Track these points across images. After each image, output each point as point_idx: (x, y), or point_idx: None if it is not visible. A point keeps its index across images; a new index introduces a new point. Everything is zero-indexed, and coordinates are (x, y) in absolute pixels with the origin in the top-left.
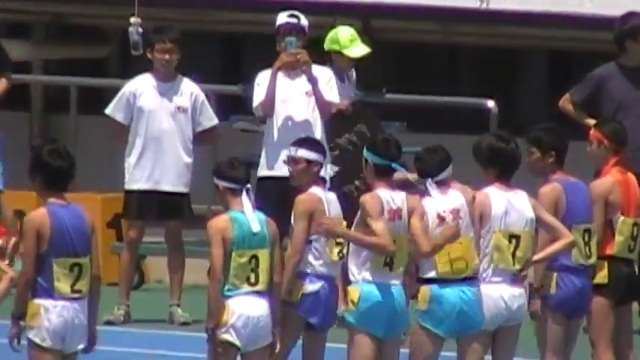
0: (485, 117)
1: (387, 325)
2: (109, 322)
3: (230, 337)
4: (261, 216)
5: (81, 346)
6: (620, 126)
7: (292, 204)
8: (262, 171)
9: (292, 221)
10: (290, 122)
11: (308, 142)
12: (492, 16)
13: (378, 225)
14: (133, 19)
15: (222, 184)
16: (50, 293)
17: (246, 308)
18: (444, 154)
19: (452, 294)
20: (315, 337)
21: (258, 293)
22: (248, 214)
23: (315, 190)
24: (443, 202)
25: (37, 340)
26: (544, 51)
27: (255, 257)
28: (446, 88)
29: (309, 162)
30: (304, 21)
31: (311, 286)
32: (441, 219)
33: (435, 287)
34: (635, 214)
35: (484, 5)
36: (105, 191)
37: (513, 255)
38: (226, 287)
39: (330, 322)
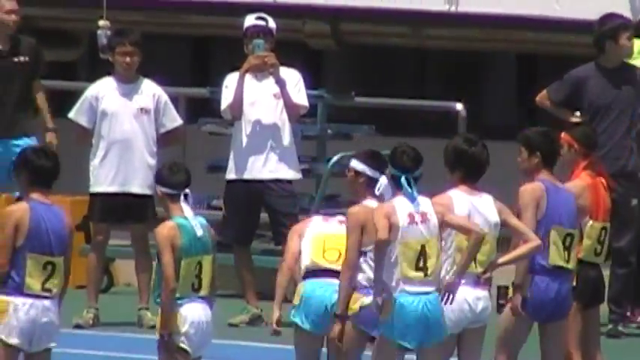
0: (454, 120)
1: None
2: (78, 326)
3: (184, 344)
4: (203, 221)
5: (52, 345)
6: (590, 130)
7: (259, 206)
8: (230, 174)
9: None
10: (258, 125)
11: (363, 154)
12: (461, 19)
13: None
14: (101, 22)
15: (160, 189)
16: (20, 290)
17: (196, 315)
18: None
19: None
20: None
21: (202, 299)
22: (191, 220)
23: (369, 203)
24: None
25: (2, 336)
26: (512, 54)
27: (199, 263)
28: (414, 91)
29: (357, 173)
30: (272, 24)
31: (369, 299)
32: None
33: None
34: (603, 218)
35: (453, 8)
36: (74, 194)
37: (475, 257)
38: (176, 295)
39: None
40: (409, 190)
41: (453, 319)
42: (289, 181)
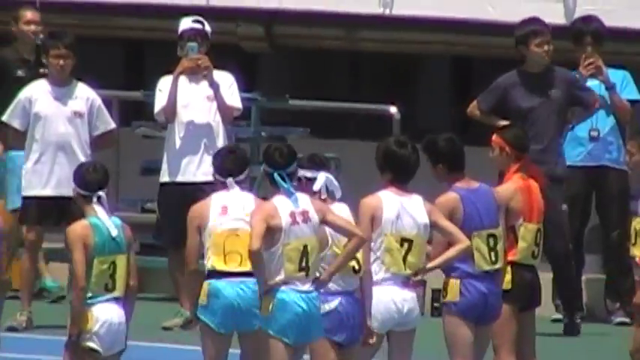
0: (388, 123)
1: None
2: (11, 328)
3: (94, 344)
4: (117, 221)
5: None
6: (522, 132)
7: None
8: (164, 177)
9: None
10: (191, 127)
11: (304, 159)
12: (395, 22)
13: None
14: None
15: (75, 189)
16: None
17: (108, 315)
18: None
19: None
20: (345, 356)
21: (115, 299)
22: (104, 220)
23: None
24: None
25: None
26: (446, 57)
27: (113, 263)
28: (349, 94)
29: (301, 180)
30: (208, 27)
31: (327, 305)
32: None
33: None
34: (537, 219)
35: (387, 11)
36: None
37: (405, 259)
38: (88, 295)
39: (357, 337)
40: (284, 185)
41: (380, 319)
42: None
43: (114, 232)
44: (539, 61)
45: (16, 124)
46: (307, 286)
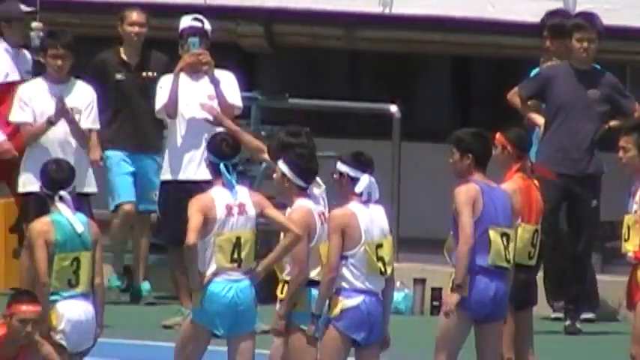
0: (388, 122)
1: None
2: None
3: (61, 340)
4: (83, 218)
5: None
6: (524, 132)
7: None
8: (165, 175)
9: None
10: (193, 125)
11: (348, 156)
12: (395, 21)
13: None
14: (34, 24)
15: (40, 186)
16: None
17: (74, 312)
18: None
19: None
20: (365, 356)
21: (82, 296)
22: (68, 216)
23: (352, 205)
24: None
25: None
26: (446, 56)
27: (76, 259)
28: (349, 93)
29: (341, 174)
30: (208, 25)
31: (350, 301)
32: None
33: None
34: (535, 220)
35: (387, 10)
36: (6, 196)
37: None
38: (50, 291)
39: (376, 339)
40: (228, 177)
41: None
42: None
43: (79, 229)
44: (577, 56)
45: (26, 117)
46: (239, 277)
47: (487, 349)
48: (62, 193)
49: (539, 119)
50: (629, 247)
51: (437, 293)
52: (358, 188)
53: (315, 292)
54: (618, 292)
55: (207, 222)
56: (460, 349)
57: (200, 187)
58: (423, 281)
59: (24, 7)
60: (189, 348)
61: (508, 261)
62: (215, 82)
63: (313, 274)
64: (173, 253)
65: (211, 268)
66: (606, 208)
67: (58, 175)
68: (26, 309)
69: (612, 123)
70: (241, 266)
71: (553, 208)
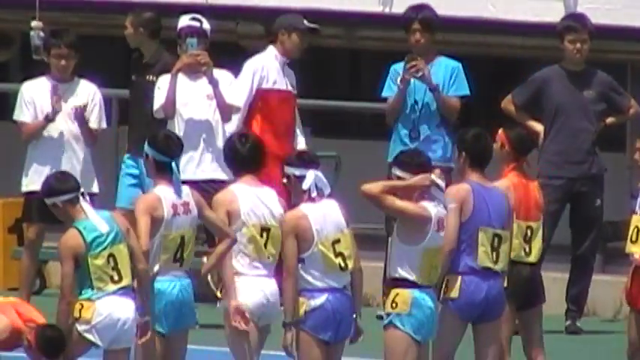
0: None
1: None
2: None
3: (90, 336)
4: (106, 214)
5: None
6: (526, 135)
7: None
8: None
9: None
10: (191, 125)
11: (291, 157)
12: (395, 20)
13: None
14: (34, 23)
15: (59, 200)
16: None
17: (108, 309)
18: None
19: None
20: (331, 354)
21: (124, 291)
22: (92, 218)
23: (304, 207)
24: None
25: None
26: (447, 55)
27: (111, 256)
28: (349, 93)
29: (288, 177)
30: (206, 25)
31: (314, 301)
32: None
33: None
34: (526, 217)
35: (387, 10)
36: (5, 196)
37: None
38: (93, 292)
39: (345, 335)
40: (178, 175)
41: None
42: (224, 182)
43: (104, 228)
44: (571, 57)
45: (28, 118)
46: (181, 274)
47: (482, 349)
48: (82, 190)
49: (538, 126)
50: (634, 249)
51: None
52: (305, 185)
53: None
54: (618, 292)
55: (154, 221)
56: (455, 350)
57: (200, 186)
58: None
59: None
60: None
61: (496, 262)
62: (214, 83)
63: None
64: None
65: (155, 268)
66: (606, 208)
67: (71, 180)
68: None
69: (609, 121)
70: (182, 265)
71: (554, 211)
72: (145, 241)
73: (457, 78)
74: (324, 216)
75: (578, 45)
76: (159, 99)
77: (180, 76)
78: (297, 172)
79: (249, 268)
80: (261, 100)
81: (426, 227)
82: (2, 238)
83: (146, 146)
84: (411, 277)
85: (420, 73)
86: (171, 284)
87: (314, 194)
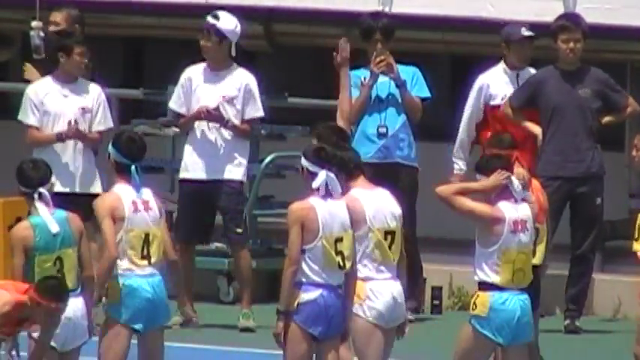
0: None
1: None
2: None
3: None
4: (62, 214)
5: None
6: (509, 134)
7: (211, 206)
8: (182, 173)
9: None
10: (210, 125)
11: (308, 150)
12: (395, 20)
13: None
14: (34, 23)
15: (19, 187)
16: None
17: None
18: None
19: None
20: (324, 348)
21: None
22: (45, 217)
23: (312, 200)
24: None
25: None
26: (446, 55)
27: (59, 259)
28: None
29: (302, 169)
30: (223, 23)
31: (307, 295)
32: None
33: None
34: (540, 219)
35: (387, 9)
36: (6, 195)
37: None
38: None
39: (335, 332)
40: (137, 179)
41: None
42: (240, 181)
43: (54, 229)
44: (564, 57)
45: (33, 120)
46: (151, 272)
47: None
48: (41, 190)
49: (536, 128)
50: (637, 247)
51: (437, 292)
52: (315, 184)
53: None
54: (618, 291)
55: (115, 220)
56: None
57: (216, 185)
58: (423, 280)
59: None
60: (116, 349)
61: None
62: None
63: None
64: (181, 251)
65: (123, 265)
66: (605, 207)
67: (35, 174)
68: (55, 306)
69: (606, 119)
70: (151, 263)
71: (554, 211)
72: (112, 244)
73: (418, 81)
74: (331, 212)
75: (572, 44)
76: (177, 101)
77: (206, 71)
78: (311, 168)
79: (376, 272)
80: None
81: (497, 228)
82: (2, 237)
83: (110, 146)
84: (489, 279)
85: (389, 68)
86: (143, 282)
87: (322, 194)
